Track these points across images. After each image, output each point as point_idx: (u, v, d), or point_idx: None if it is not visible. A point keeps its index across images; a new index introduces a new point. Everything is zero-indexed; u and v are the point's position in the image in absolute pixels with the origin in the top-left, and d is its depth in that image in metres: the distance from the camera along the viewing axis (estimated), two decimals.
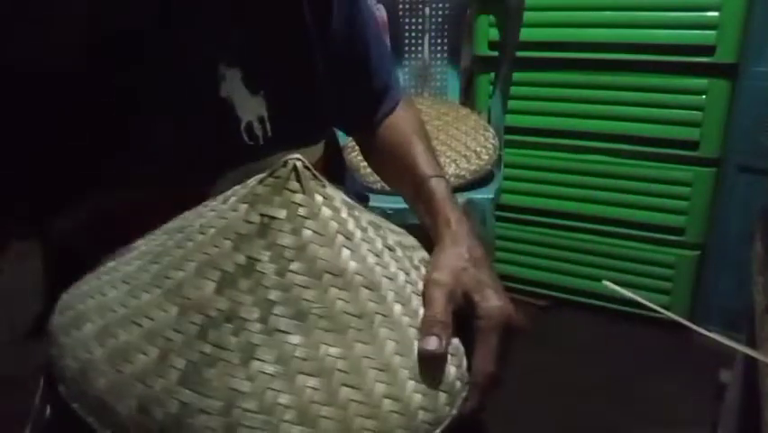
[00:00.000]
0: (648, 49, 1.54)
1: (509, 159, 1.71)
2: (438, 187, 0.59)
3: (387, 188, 1.16)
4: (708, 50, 1.47)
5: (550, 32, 1.63)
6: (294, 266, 0.41)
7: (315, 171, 0.43)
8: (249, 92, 0.55)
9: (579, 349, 1.69)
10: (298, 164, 0.42)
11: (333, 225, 0.43)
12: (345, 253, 0.42)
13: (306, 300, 0.40)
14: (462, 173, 1.20)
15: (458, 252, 0.52)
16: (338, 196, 0.44)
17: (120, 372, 0.39)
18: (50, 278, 0.70)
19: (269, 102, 0.56)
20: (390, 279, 0.44)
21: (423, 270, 0.49)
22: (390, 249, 0.47)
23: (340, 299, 0.41)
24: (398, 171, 0.65)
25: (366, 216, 0.47)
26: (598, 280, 0.69)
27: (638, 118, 1.60)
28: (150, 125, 0.52)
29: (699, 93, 1.52)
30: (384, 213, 1.15)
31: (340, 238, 0.43)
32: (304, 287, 0.40)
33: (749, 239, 0.90)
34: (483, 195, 1.21)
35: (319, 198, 0.43)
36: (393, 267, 0.46)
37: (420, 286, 0.47)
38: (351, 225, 0.44)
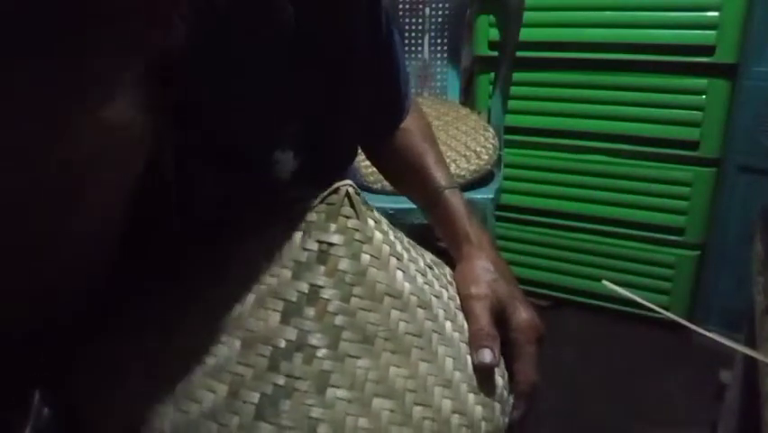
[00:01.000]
0: (648, 49, 1.54)
1: (509, 159, 1.71)
2: (453, 199, 0.60)
3: (387, 187, 1.15)
4: (708, 50, 1.47)
5: (550, 32, 1.63)
6: (356, 291, 0.41)
7: (363, 196, 0.44)
8: (294, 162, 0.54)
9: (579, 349, 1.69)
10: (350, 190, 0.43)
11: (386, 248, 0.43)
12: (399, 274, 0.43)
13: (372, 324, 0.41)
14: (462, 173, 1.20)
15: (484, 265, 0.53)
16: (383, 219, 0.45)
17: (186, 412, 0.38)
18: None
19: (304, 158, 0.55)
20: (437, 297, 0.45)
21: (454, 286, 0.50)
22: (430, 267, 0.48)
23: (401, 320, 0.42)
24: (411, 182, 0.66)
25: (404, 237, 0.48)
26: (599, 280, 0.69)
27: (638, 118, 1.60)
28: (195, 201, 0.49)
29: (699, 93, 1.52)
30: (385, 213, 1.14)
31: (393, 261, 0.43)
32: (368, 311, 0.41)
33: (749, 239, 0.90)
34: (483, 195, 1.21)
35: (371, 223, 0.43)
36: (437, 285, 0.47)
37: (458, 301, 0.48)
38: (398, 246, 0.45)
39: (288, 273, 0.41)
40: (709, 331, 0.58)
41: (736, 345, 0.60)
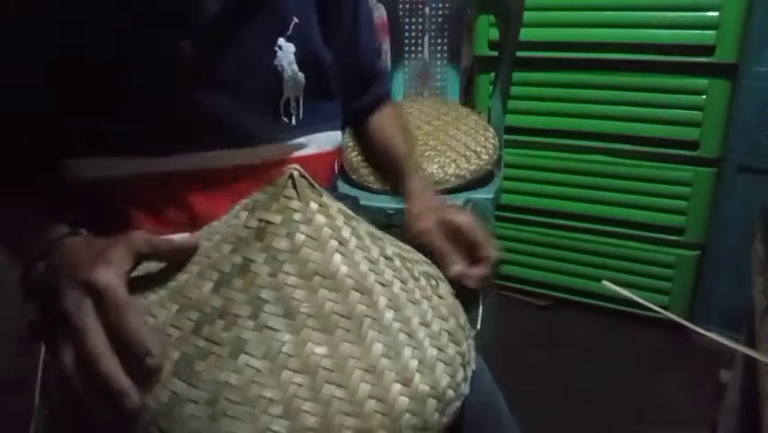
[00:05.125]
0: (648, 49, 1.54)
1: (509, 159, 1.71)
2: (409, 162, 0.74)
3: (388, 188, 1.17)
4: (708, 50, 1.47)
5: (550, 32, 1.63)
6: (286, 267, 0.43)
7: (312, 180, 0.45)
8: (298, 68, 0.62)
9: (579, 349, 1.69)
10: (295, 173, 0.45)
11: (327, 231, 0.45)
12: (337, 257, 0.44)
13: (296, 300, 0.42)
14: (462, 173, 1.20)
15: (425, 196, 0.67)
16: (335, 205, 0.46)
17: None
18: None
19: (306, 84, 0.63)
20: (384, 285, 0.46)
21: (423, 281, 0.50)
22: (388, 258, 0.48)
23: (329, 300, 0.43)
24: (382, 163, 0.79)
25: (365, 227, 0.48)
26: (598, 280, 0.69)
27: (638, 118, 1.60)
28: (203, 90, 0.58)
29: (699, 93, 1.52)
30: (385, 213, 1.15)
31: (333, 243, 0.44)
32: (294, 287, 0.42)
33: (749, 239, 0.90)
34: (483, 195, 1.21)
35: (314, 206, 0.45)
36: (389, 275, 0.47)
37: (417, 295, 0.48)
38: (346, 232, 0.46)
39: (228, 248, 0.44)
40: (709, 331, 0.58)
41: (736, 345, 0.60)
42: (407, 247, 0.55)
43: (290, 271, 0.43)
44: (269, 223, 0.44)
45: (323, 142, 0.68)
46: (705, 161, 1.57)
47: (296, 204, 0.44)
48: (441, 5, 1.50)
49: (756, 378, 0.61)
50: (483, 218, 1.20)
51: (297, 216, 0.44)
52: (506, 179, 1.59)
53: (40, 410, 0.68)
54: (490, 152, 1.26)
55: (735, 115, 1.49)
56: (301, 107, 0.64)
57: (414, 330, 0.45)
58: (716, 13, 1.44)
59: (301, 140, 0.65)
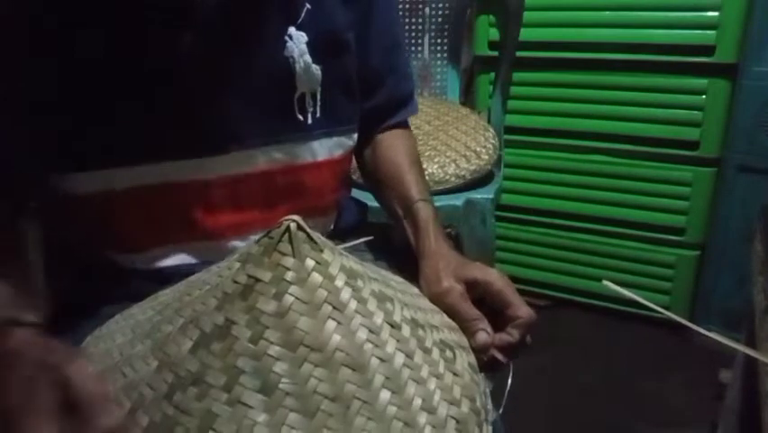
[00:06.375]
0: (648, 49, 1.54)
1: (509, 159, 1.71)
2: (422, 211, 0.63)
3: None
4: (708, 50, 1.47)
5: (550, 31, 1.63)
6: (269, 334, 0.37)
7: (312, 234, 0.40)
8: (311, 59, 0.58)
9: (579, 349, 1.69)
10: (292, 225, 0.39)
11: (322, 292, 0.39)
12: (330, 325, 0.38)
13: (276, 373, 0.36)
14: (462, 173, 1.20)
15: (443, 259, 0.56)
16: (337, 262, 0.40)
17: None
18: (50, 282, 0.70)
19: (324, 77, 0.59)
20: (383, 360, 0.39)
21: (435, 354, 0.43)
22: (394, 326, 0.41)
23: (314, 376, 0.37)
24: (390, 190, 0.68)
25: (373, 287, 0.42)
26: (598, 280, 0.69)
27: (638, 118, 1.60)
28: (212, 88, 0.55)
29: (699, 93, 1.52)
30: None
31: (326, 308, 0.39)
32: (275, 358, 0.37)
33: (749, 239, 0.90)
34: (483, 195, 1.21)
35: (310, 263, 0.39)
36: (391, 347, 0.40)
37: (423, 372, 0.41)
38: (345, 294, 0.40)
39: (213, 303, 0.39)
40: (709, 331, 0.58)
41: (736, 345, 0.60)
42: (429, 307, 0.50)
43: (273, 338, 0.37)
44: (257, 280, 0.38)
45: (333, 146, 0.63)
46: (705, 161, 1.57)
47: (289, 261, 0.39)
48: (441, 5, 1.51)
49: (756, 378, 0.61)
50: (483, 218, 1.20)
51: (288, 276, 0.38)
52: (506, 179, 1.59)
53: None
54: (490, 151, 1.26)
55: (735, 114, 1.49)
56: (318, 103, 0.60)
57: (413, 417, 0.38)
58: (716, 13, 1.44)
59: (313, 144, 0.61)
